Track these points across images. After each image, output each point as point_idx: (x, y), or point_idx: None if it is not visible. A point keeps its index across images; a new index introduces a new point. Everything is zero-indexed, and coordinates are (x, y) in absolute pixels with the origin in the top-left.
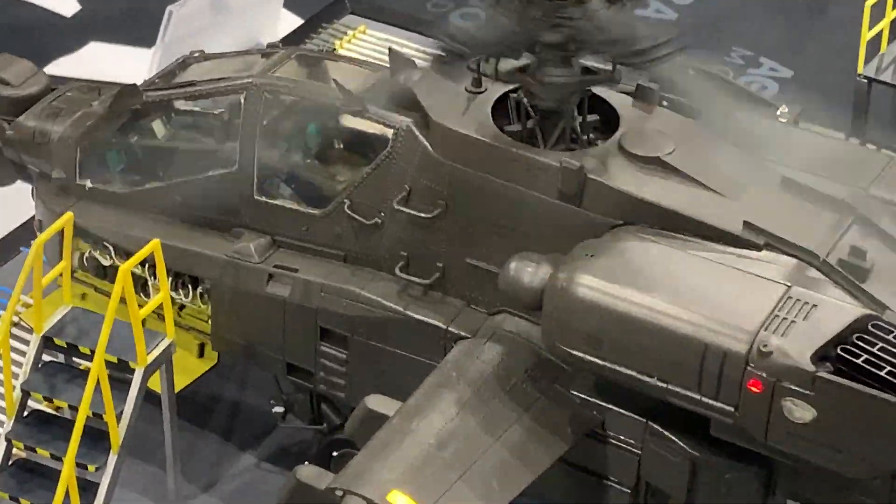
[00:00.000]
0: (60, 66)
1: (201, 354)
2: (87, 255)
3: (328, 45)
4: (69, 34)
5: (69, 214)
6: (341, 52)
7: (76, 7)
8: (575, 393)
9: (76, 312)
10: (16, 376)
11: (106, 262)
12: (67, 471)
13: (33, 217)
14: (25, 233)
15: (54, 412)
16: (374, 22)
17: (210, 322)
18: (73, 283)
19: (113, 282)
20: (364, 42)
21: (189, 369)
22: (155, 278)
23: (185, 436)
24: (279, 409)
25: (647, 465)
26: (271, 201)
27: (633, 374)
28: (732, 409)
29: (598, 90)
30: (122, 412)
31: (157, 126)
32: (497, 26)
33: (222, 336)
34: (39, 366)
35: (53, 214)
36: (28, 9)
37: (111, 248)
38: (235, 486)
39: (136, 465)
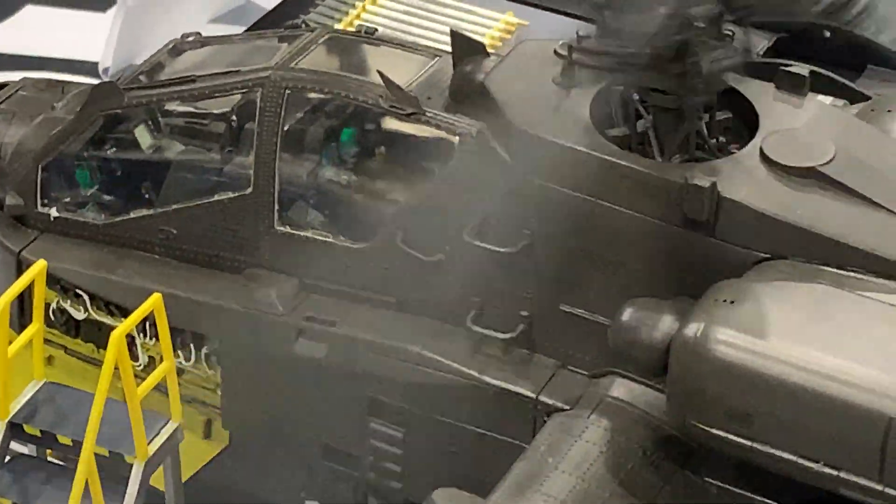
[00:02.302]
0: None
1: (207, 434)
2: (54, 306)
3: (341, 11)
4: None
5: (42, 263)
6: (364, 23)
7: None
8: (710, 481)
9: (51, 389)
10: None
11: (79, 316)
12: None
13: None
14: None
15: None
16: None
17: (219, 392)
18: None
19: (88, 340)
20: (393, 4)
21: (192, 454)
22: (145, 336)
23: None
24: None
25: None
26: (298, 233)
27: (792, 458)
28: None
29: (729, 77)
30: None
31: (142, 134)
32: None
33: (236, 410)
34: (6, 461)
35: (7, 254)
36: None
37: (86, 298)
38: None
39: None
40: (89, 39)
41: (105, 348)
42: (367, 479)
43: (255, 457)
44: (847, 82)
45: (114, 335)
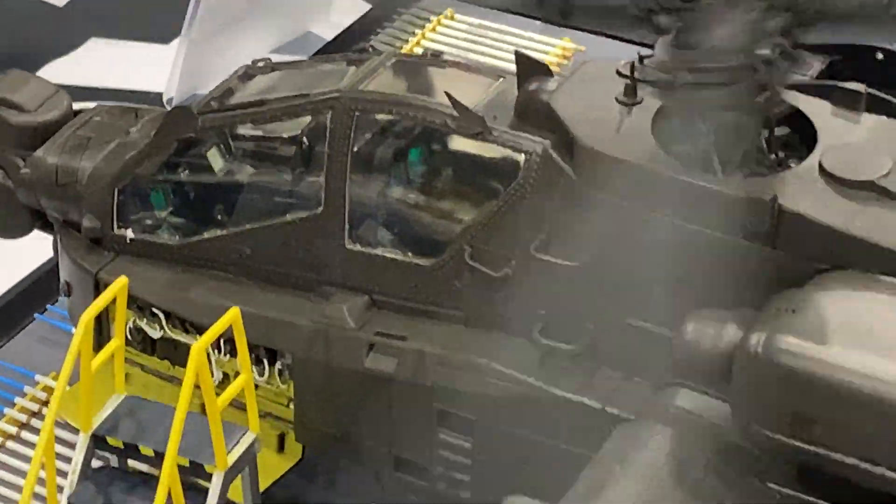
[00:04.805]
0: (54, 71)
1: (281, 448)
2: (130, 325)
3: (401, 39)
4: (62, 29)
5: (123, 280)
6: (429, 43)
7: None
8: (774, 487)
9: (132, 402)
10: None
11: (155, 334)
12: None
13: (42, 273)
14: (38, 295)
15: None
16: (463, 4)
17: (293, 407)
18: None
19: (163, 358)
20: (452, 32)
21: (267, 467)
22: (219, 353)
23: None
24: None
25: None
26: (368, 251)
27: (856, 462)
28: None
29: (787, 94)
30: None
31: (215, 157)
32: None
33: (309, 424)
34: (89, 473)
35: (85, 275)
36: None
37: (162, 316)
38: None
39: None
40: (153, 71)
41: (181, 365)
42: (436, 490)
43: (328, 469)
44: None
45: (195, 348)
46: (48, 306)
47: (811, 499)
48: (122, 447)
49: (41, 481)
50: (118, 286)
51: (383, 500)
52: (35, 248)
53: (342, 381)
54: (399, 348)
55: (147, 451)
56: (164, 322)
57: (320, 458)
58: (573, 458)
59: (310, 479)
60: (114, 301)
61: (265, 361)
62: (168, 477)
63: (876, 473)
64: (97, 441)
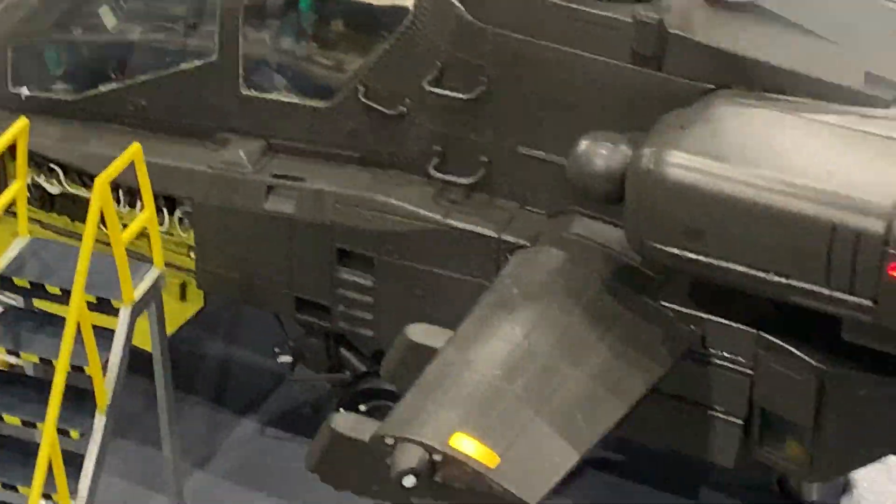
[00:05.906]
0: None
1: (183, 297)
2: (28, 182)
3: None
4: None
5: (23, 121)
6: None
7: None
8: (666, 304)
9: (37, 244)
10: None
11: (54, 190)
12: (49, 439)
13: None
14: None
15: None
16: None
17: (193, 254)
18: (9, 218)
19: (62, 214)
20: None
21: (170, 315)
22: (119, 204)
23: None
24: (286, 359)
25: (761, 388)
26: (263, 96)
27: (744, 269)
28: (870, 303)
29: None
30: (106, 362)
31: (106, 14)
32: None
33: (210, 271)
34: None
35: None
36: None
37: (60, 172)
38: (238, 458)
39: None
40: None
41: (80, 221)
42: (338, 330)
43: (229, 316)
44: None
45: (98, 181)
46: None
47: (701, 314)
48: (28, 287)
49: None
50: (18, 127)
51: (285, 344)
52: None
53: (242, 225)
54: (298, 189)
55: (54, 289)
56: (62, 177)
57: (222, 309)
58: (472, 287)
59: (213, 326)
60: (12, 156)
61: (164, 210)
62: (76, 312)
63: (763, 279)
64: (3, 282)
